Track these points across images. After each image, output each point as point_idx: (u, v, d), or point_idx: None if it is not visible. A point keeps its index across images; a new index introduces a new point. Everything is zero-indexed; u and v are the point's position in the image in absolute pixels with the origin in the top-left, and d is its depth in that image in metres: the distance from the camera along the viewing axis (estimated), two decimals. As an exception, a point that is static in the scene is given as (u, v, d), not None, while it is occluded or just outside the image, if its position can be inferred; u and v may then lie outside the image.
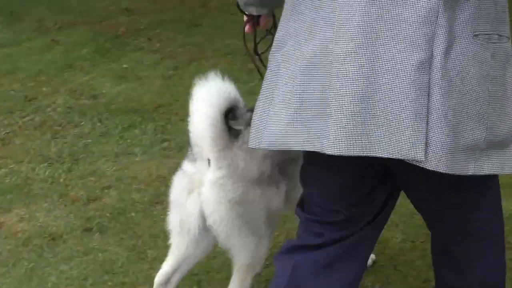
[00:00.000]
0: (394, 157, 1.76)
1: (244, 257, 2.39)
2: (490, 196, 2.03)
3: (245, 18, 2.31)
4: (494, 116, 1.81)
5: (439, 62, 1.74)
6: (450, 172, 1.76)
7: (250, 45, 2.37)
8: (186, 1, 6.31)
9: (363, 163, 1.87)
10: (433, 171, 1.76)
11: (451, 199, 1.97)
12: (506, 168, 1.86)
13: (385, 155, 1.76)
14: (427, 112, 1.74)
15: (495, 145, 1.83)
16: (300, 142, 1.87)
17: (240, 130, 2.27)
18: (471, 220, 2.02)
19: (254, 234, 2.36)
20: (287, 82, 1.90)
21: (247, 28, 2.30)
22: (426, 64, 1.74)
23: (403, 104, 1.74)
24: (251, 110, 2.06)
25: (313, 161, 1.99)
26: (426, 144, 1.74)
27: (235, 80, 4.51)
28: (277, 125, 1.91)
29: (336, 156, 1.78)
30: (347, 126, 1.77)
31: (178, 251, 2.48)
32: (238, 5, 2.25)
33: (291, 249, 2.06)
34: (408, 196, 2.05)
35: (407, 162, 1.77)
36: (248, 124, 2.10)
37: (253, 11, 2.25)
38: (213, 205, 2.30)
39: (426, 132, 1.74)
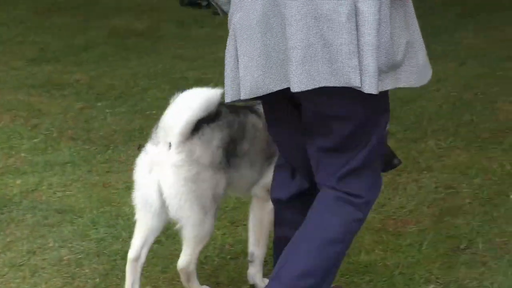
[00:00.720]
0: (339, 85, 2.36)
1: (191, 229, 2.84)
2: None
3: None
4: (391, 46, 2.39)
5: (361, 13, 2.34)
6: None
7: None
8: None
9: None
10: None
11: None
12: (401, 83, 2.46)
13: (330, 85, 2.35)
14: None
15: (391, 67, 2.41)
16: (275, 84, 2.42)
17: (201, 125, 2.79)
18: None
19: (201, 210, 2.83)
20: (247, 42, 2.46)
21: None
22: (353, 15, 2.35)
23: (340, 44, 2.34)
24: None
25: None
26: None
27: (19, 136, 4.59)
28: (250, 76, 2.44)
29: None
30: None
31: (144, 225, 2.91)
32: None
33: None
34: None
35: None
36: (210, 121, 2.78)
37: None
38: (170, 182, 2.78)
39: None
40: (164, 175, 2.80)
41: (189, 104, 2.77)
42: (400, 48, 2.42)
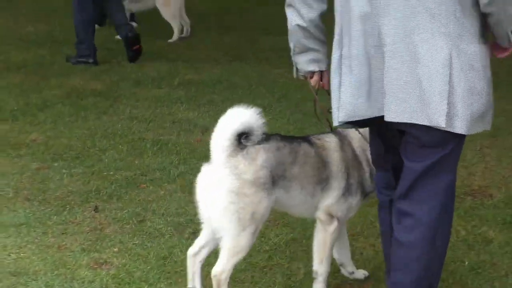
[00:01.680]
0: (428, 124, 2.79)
1: (227, 240, 3.21)
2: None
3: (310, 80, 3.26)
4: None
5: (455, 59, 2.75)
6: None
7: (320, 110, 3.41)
8: None
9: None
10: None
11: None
12: (487, 126, 2.89)
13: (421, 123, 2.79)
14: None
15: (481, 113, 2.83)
16: (372, 112, 2.88)
17: (247, 145, 3.22)
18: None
19: (240, 223, 3.19)
20: (349, 73, 2.90)
21: (317, 84, 3.24)
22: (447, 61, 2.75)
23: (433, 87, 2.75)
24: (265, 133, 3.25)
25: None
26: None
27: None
28: (348, 103, 2.92)
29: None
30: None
31: (206, 230, 3.38)
32: (296, 71, 3.23)
33: None
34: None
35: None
36: (256, 143, 3.23)
37: (316, 67, 3.18)
38: (214, 193, 3.20)
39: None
40: (210, 188, 3.22)
41: (230, 122, 3.21)
42: (489, 97, 2.85)
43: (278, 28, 9.47)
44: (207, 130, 5.97)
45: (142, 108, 6.52)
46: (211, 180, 3.23)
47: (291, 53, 3.24)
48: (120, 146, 5.61)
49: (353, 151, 3.44)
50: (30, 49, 8.34)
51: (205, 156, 5.29)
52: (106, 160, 5.33)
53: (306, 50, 3.16)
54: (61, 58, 8.00)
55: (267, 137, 3.29)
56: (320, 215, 3.42)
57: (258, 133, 3.25)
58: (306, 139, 3.44)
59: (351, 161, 3.43)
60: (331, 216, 3.39)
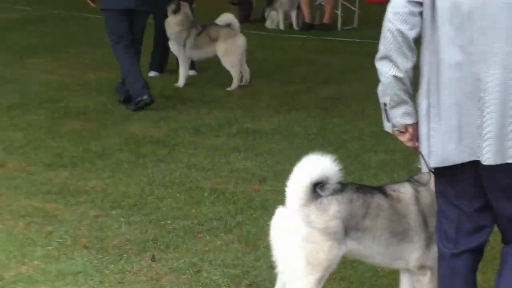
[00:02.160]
0: None
1: (293, 282, 3.33)
2: None
3: (402, 137, 3.27)
4: None
5: None
6: None
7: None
8: (-18, 161, 6.37)
9: None
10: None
11: None
12: None
13: None
14: None
15: None
16: (464, 156, 3.00)
17: (322, 195, 3.33)
18: None
19: (306, 269, 3.30)
20: (438, 120, 3.06)
21: (411, 143, 3.23)
22: None
23: None
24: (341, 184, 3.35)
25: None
26: None
27: (32, 243, 4.63)
28: (442, 148, 3.06)
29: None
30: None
31: (280, 272, 3.46)
32: (392, 126, 3.26)
33: None
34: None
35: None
36: (331, 194, 3.33)
37: (410, 119, 3.20)
38: (285, 238, 3.34)
39: None
40: (283, 232, 3.35)
41: (305, 170, 3.31)
42: None
43: (337, 78, 9.52)
44: (265, 179, 5.98)
45: (200, 157, 6.55)
46: (284, 225, 3.36)
47: (386, 107, 3.28)
48: (177, 194, 5.64)
49: (433, 199, 3.42)
50: (91, 96, 8.48)
51: (263, 206, 5.35)
52: (164, 208, 5.36)
53: (401, 102, 3.21)
54: (121, 105, 8.11)
55: (342, 187, 3.38)
56: (411, 268, 3.48)
57: (333, 181, 3.34)
58: (381, 189, 3.50)
59: (430, 210, 3.44)
60: (422, 267, 3.43)
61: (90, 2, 8.16)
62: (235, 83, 9.02)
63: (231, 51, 9.03)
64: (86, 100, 8.31)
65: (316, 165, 3.32)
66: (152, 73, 9.64)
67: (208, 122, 7.60)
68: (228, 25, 9.09)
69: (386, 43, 3.24)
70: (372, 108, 8.12)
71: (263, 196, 5.66)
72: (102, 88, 8.83)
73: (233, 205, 5.43)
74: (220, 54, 9.10)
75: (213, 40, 9.11)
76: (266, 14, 13.69)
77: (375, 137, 7.13)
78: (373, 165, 6.32)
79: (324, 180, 3.32)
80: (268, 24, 13.50)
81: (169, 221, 5.13)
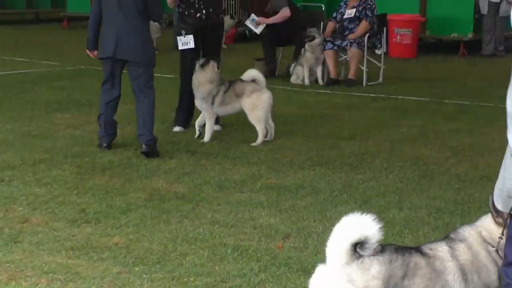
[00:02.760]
0: None
1: None
2: None
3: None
4: None
5: None
6: None
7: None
8: (7, 215, 6.39)
9: None
10: None
11: None
12: None
13: None
14: None
15: None
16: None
17: (362, 255, 3.39)
18: None
19: None
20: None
21: None
22: None
23: None
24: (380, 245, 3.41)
25: None
26: None
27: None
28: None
29: None
30: None
31: None
32: (494, 207, 3.29)
33: None
34: None
35: None
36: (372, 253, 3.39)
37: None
38: None
39: None
40: None
41: (345, 231, 3.36)
42: None
43: (362, 134, 9.52)
44: (289, 236, 5.95)
45: (223, 212, 6.55)
46: (325, 284, 3.45)
47: None
48: (201, 251, 5.63)
49: (474, 255, 3.46)
50: (116, 151, 8.53)
51: (286, 264, 5.32)
52: (187, 265, 5.34)
53: None
54: (146, 160, 8.14)
55: (382, 248, 3.43)
56: None
57: (373, 241, 3.38)
58: (418, 249, 3.56)
59: (469, 266, 3.47)
60: None
61: (90, 53, 8.83)
62: (260, 139, 9.04)
63: (256, 106, 9.08)
64: (112, 155, 8.35)
65: (357, 225, 3.37)
66: (177, 128, 9.69)
67: (232, 178, 7.60)
68: (253, 81, 9.15)
69: None
70: (397, 165, 8.10)
71: (287, 253, 5.62)
72: (127, 142, 8.88)
73: (257, 262, 5.40)
74: (246, 109, 9.15)
75: (239, 95, 9.17)
76: (291, 69, 13.76)
77: (400, 194, 7.10)
78: (397, 222, 6.27)
79: (364, 240, 3.37)
80: (293, 79, 13.56)
81: (192, 278, 5.11)
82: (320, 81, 13.42)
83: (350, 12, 13.34)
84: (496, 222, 3.40)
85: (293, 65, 13.73)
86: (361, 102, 11.71)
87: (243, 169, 7.92)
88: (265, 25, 13.79)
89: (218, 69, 9.34)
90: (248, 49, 16.86)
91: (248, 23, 14.06)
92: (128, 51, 8.46)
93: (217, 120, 9.72)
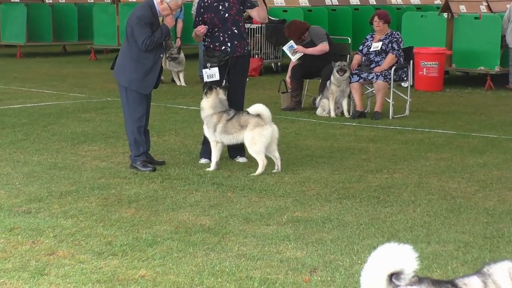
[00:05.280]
0: None
1: None
2: None
3: None
4: None
5: None
6: None
7: None
8: (33, 248, 6.41)
9: None
10: None
11: None
12: None
13: None
14: None
15: None
16: None
17: (399, 286, 3.35)
18: None
19: None
20: None
21: None
22: None
23: None
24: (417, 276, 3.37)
25: None
26: None
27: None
28: None
29: None
30: None
31: None
32: None
33: None
34: None
35: None
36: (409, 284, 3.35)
37: None
38: None
39: None
40: None
41: (381, 260, 3.32)
42: None
43: (388, 167, 9.49)
44: (315, 270, 5.91)
45: (250, 245, 6.53)
46: None
47: None
48: (227, 284, 5.61)
49: None
50: (142, 184, 8.56)
51: (314, 298, 5.29)
52: (213, 299, 5.32)
53: None
54: (173, 193, 8.16)
55: (419, 279, 3.40)
56: None
57: (409, 271, 3.34)
58: (452, 283, 3.54)
59: None
60: None
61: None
62: (260, 169, 9.21)
63: (256, 141, 9.19)
64: (138, 187, 8.38)
65: (393, 255, 3.33)
66: (203, 160, 9.72)
67: (258, 210, 7.59)
68: (258, 115, 9.25)
69: None
70: (424, 198, 8.05)
71: (314, 287, 5.59)
72: (153, 175, 8.90)
73: (283, 296, 5.37)
74: (246, 141, 9.34)
75: (243, 127, 9.30)
76: (317, 102, 13.77)
77: (427, 228, 7.05)
78: (425, 256, 6.21)
79: (400, 270, 3.33)
80: (319, 111, 13.57)
81: (218, 312, 5.09)
82: (346, 114, 13.42)
83: (376, 45, 13.36)
84: None
85: (319, 98, 13.75)
86: (387, 135, 11.68)
87: (270, 202, 7.91)
88: (302, 54, 13.84)
89: (224, 96, 9.46)
90: (273, 81, 16.91)
91: (285, 48, 14.09)
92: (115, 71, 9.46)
93: (242, 152, 9.75)
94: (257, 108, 9.33)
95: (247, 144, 9.31)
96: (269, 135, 9.24)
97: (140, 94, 9.24)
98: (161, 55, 9.45)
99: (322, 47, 13.80)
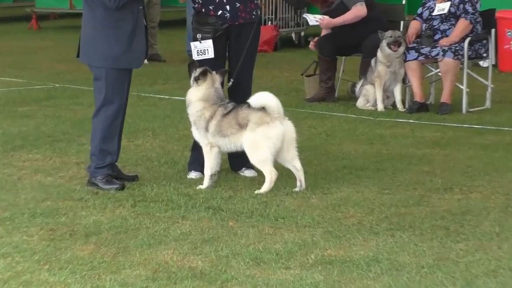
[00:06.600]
0: None
1: None
2: None
3: None
4: None
5: None
6: None
7: None
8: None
9: None
10: None
11: None
12: None
13: None
14: None
15: None
16: None
17: None
18: None
19: None
20: None
21: None
22: None
23: None
24: None
25: None
26: None
27: None
28: None
29: None
30: None
31: None
32: None
33: None
34: None
35: None
36: None
37: None
38: None
39: None
40: None
41: None
42: None
43: (462, 183, 9.46)
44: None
45: (260, 296, 6.53)
46: None
47: None
48: None
49: None
50: (106, 208, 8.55)
51: None
52: None
53: None
54: (149, 221, 8.14)
55: None
56: None
57: None
58: None
59: None
60: None
61: None
62: (267, 184, 9.13)
63: (259, 144, 9.04)
64: (99, 214, 8.38)
65: None
66: (193, 174, 9.72)
67: (273, 247, 7.56)
68: (263, 108, 9.08)
69: None
70: (515, 229, 8.02)
71: None
72: (121, 196, 8.89)
73: None
74: (245, 146, 9.17)
75: (242, 126, 9.11)
76: (357, 89, 13.77)
77: (520, 272, 7.02)
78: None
79: None
80: (360, 103, 13.57)
81: None
82: (399, 106, 13.41)
83: (442, 7, 13.36)
84: None
85: (359, 84, 13.74)
86: (460, 137, 11.67)
87: (289, 235, 7.88)
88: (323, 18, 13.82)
89: (221, 85, 9.39)
90: (294, 59, 16.92)
91: (309, 16, 14.05)
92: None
93: (250, 163, 9.72)
94: (261, 97, 9.17)
95: (247, 151, 9.18)
96: (278, 136, 9.11)
97: (123, 75, 9.13)
98: (140, 7, 9.29)
99: (357, 11, 13.73)
